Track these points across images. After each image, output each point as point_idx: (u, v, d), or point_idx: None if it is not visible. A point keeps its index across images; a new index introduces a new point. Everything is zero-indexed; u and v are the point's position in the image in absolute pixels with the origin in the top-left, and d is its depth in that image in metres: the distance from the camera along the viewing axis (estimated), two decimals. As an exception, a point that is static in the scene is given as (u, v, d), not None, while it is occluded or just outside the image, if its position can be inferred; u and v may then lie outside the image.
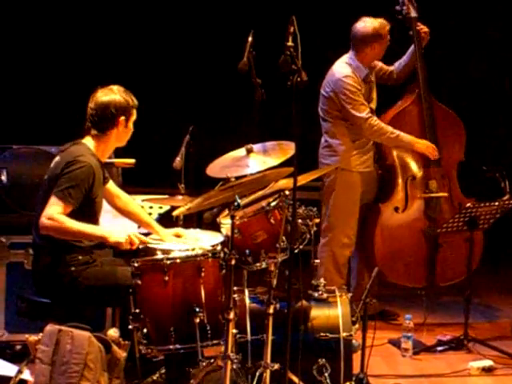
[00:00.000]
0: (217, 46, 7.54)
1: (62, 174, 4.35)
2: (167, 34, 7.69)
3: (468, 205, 5.57)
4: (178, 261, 4.27)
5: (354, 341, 4.62)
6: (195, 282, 4.26)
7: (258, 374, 4.30)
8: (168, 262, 4.25)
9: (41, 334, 4.11)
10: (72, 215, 4.29)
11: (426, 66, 6.12)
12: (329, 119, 5.99)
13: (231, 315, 4.12)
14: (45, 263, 4.44)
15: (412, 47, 6.16)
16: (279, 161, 4.49)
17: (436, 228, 5.94)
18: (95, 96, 4.51)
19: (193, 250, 4.42)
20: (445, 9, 7.60)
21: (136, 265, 4.24)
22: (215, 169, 4.52)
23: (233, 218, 4.17)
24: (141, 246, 4.40)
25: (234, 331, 4.23)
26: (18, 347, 5.14)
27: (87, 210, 4.41)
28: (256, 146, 4.59)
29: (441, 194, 6.12)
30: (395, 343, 5.66)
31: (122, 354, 4.22)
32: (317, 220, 4.56)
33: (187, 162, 5.07)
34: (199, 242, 4.56)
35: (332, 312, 4.63)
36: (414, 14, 6.16)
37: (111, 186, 4.75)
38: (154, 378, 4.55)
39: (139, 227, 4.86)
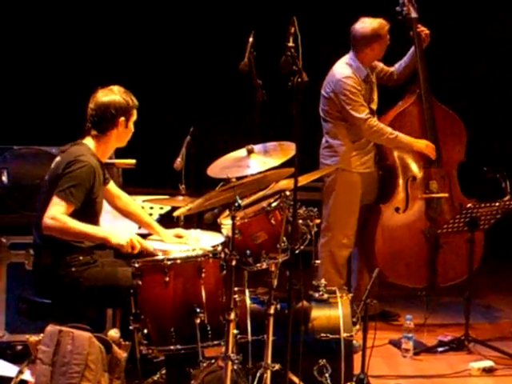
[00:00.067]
0: (217, 46, 7.54)
1: (63, 174, 4.35)
2: (168, 35, 7.69)
3: (469, 205, 5.57)
4: (178, 261, 4.27)
5: (354, 341, 4.63)
6: (196, 282, 4.26)
7: (258, 374, 4.30)
8: (168, 262, 4.25)
9: (41, 335, 4.11)
10: (73, 215, 4.29)
11: (427, 67, 6.12)
12: (329, 120, 5.99)
13: (232, 316, 4.12)
14: (45, 264, 4.43)
15: (412, 48, 6.16)
16: (280, 161, 4.49)
17: (437, 228, 5.93)
18: (95, 96, 4.50)
19: (193, 250, 4.42)
20: (445, 9, 7.60)
21: (136, 265, 4.24)
22: (216, 169, 4.52)
23: (233, 218, 4.17)
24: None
25: (235, 332, 4.24)
26: (19, 348, 5.14)
27: (88, 211, 4.41)
28: (257, 147, 4.59)
29: (441, 195, 6.12)
30: (396, 344, 5.66)
31: (122, 355, 4.22)
32: (317, 220, 4.56)
33: (188, 162, 5.07)
34: (200, 242, 4.56)
35: (333, 313, 4.63)
36: (414, 14, 6.16)
37: (112, 186, 4.75)
38: (155, 378, 4.56)
39: (140, 228, 4.86)
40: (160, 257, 4.34)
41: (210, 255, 4.32)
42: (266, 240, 4.37)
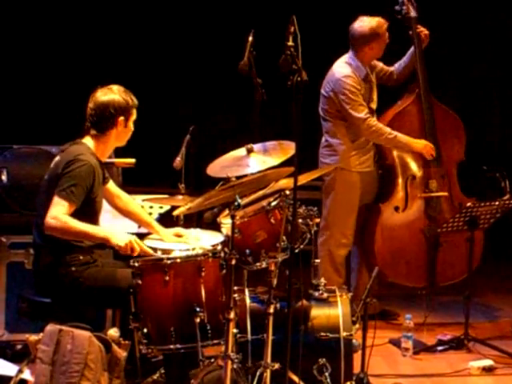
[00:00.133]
0: (217, 45, 7.54)
1: (63, 174, 4.34)
2: (167, 34, 7.69)
3: (468, 204, 5.57)
4: (178, 260, 4.27)
5: (354, 340, 4.63)
6: (195, 281, 4.26)
7: (258, 373, 4.30)
8: (168, 261, 4.25)
9: (41, 334, 4.11)
10: (73, 215, 4.29)
11: (426, 66, 6.12)
12: (329, 119, 5.99)
13: (231, 315, 4.12)
14: (45, 263, 4.43)
15: (412, 48, 6.16)
16: (279, 160, 4.49)
17: (436, 228, 5.94)
18: (94, 96, 4.50)
19: (193, 249, 4.42)
20: (445, 9, 7.60)
21: (136, 264, 4.24)
22: (215, 168, 4.52)
23: (233, 217, 4.17)
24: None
25: (235, 331, 4.24)
26: (19, 347, 5.14)
27: (88, 210, 4.40)
28: (256, 146, 4.59)
29: (441, 194, 6.12)
30: (395, 343, 5.66)
31: (122, 354, 4.22)
32: (317, 220, 4.57)
33: (187, 161, 5.07)
34: (199, 241, 4.56)
35: (332, 312, 4.63)
36: (413, 13, 6.16)
37: (111, 185, 4.75)
38: (155, 377, 4.56)
39: (139, 227, 4.86)
40: (160, 256, 4.35)
41: (210, 254, 4.32)
42: (266, 239, 4.37)
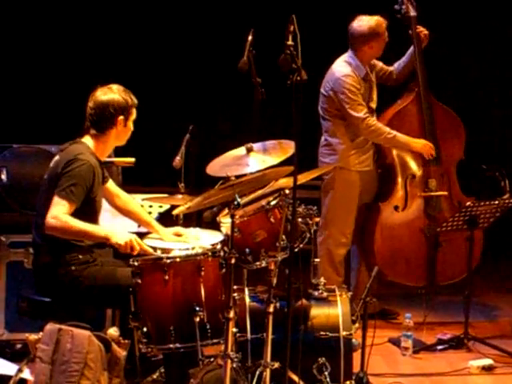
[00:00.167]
0: (217, 44, 7.54)
1: (63, 173, 4.35)
2: (167, 33, 7.69)
3: (468, 204, 5.57)
4: (178, 260, 4.27)
5: (353, 340, 4.63)
6: (195, 280, 4.26)
7: (257, 372, 4.31)
8: (168, 261, 4.25)
9: (41, 333, 4.11)
10: (73, 214, 4.29)
11: (426, 66, 6.12)
12: (328, 118, 5.99)
13: (231, 314, 4.12)
14: (45, 262, 4.44)
15: (411, 48, 6.15)
16: (279, 160, 4.49)
17: (436, 227, 5.93)
18: (94, 95, 4.50)
19: (193, 249, 4.42)
20: (445, 8, 7.60)
21: (136, 264, 4.24)
22: (215, 168, 4.53)
23: (233, 216, 4.17)
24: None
25: (234, 330, 4.24)
26: (18, 346, 5.14)
27: (87, 209, 4.40)
28: (256, 145, 4.59)
29: (440, 193, 6.12)
30: (395, 342, 5.66)
31: (121, 353, 4.22)
32: (317, 219, 4.57)
33: (187, 160, 5.07)
34: (199, 240, 4.56)
35: (332, 311, 4.63)
36: (413, 13, 6.15)
37: (111, 185, 4.75)
38: (154, 376, 4.56)
39: (139, 226, 4.86)
40: (159, 255, 4.35)
41: (210, 254, 4.32)
42: (266, 238, 4.37)
